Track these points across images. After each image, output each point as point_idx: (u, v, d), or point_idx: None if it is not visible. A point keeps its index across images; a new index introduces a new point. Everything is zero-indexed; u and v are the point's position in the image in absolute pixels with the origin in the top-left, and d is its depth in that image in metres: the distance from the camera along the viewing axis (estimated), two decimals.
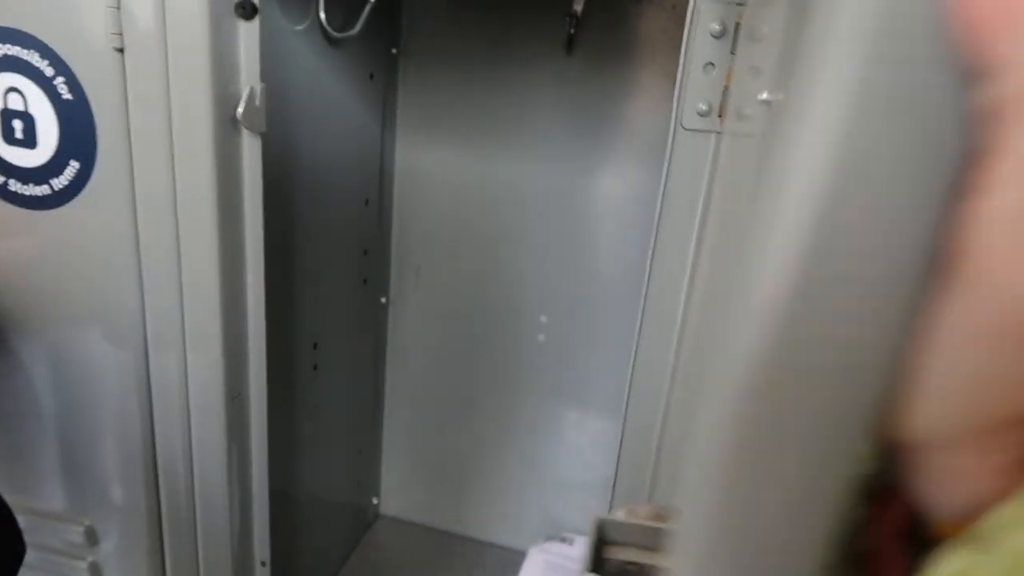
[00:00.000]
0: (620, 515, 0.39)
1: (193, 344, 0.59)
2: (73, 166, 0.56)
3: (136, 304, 0.59)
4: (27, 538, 0.68)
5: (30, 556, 0.69)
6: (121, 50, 0.52)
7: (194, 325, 0.58)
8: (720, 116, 0.48)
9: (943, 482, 0.13)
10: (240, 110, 0.53)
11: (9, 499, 0.66)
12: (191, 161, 0.53)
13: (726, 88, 0.48)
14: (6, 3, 0.53)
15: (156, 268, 0.57)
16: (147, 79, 0.52)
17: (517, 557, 0.89)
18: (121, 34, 0.52)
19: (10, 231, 0.59)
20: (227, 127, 0.53)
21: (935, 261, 0.12)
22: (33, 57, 0.54)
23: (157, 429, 0.62)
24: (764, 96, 0.33)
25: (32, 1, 0.52)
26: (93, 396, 0.63)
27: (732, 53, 0.47)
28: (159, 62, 0.52)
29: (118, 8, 0.51)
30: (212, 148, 0.53)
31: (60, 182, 0.57)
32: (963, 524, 0.13)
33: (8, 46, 0.54)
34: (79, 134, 0.55)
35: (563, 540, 0.83)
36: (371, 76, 0.80)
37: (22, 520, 0.67)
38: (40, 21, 0.53)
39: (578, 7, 0.76)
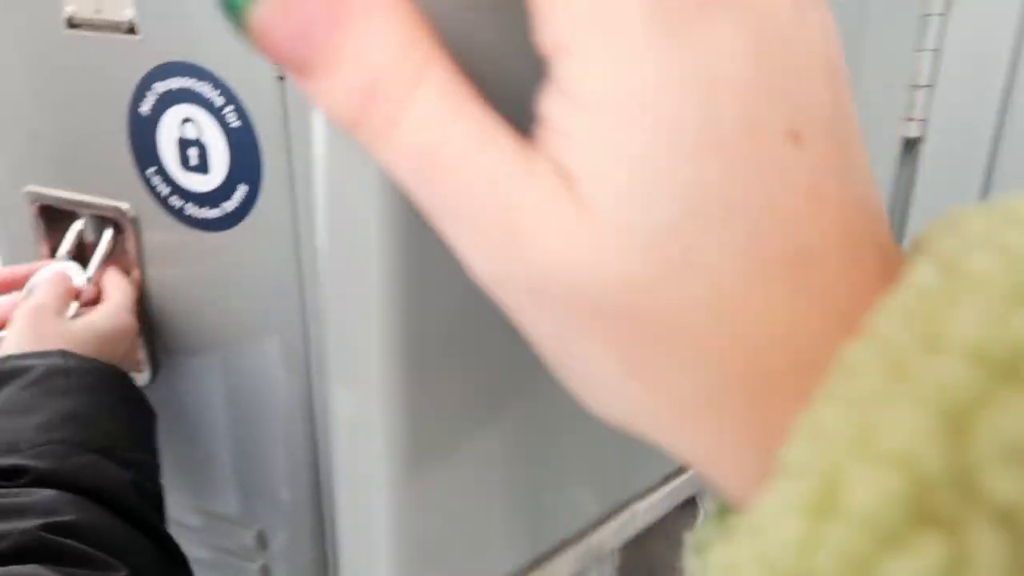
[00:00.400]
0: None
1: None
2: (241, 189, 0.59)
3: (298, 320, 0.61)
4: (205, 539, 0.73)
5: (208, 555, 0.74)
6: (283, 78, 0.54)
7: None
8: None
9: None
10: None
11: (190, 503, 0.70)
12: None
13: None
14: (182, 40, 0.56)
15: (315, 287, 0.59)
16: (306, 104, 0.53)
17: None
18: None
19: (188, 252, 0.63)
20: None
21: None
22: (205, 88, 0.56)
23: (319, 440, 0.64)
24: None
25: (204, 36, 0.55)
26: (261, 410, 0.65)
27: None
28: None
29: None
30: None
31: (230, 205, 0.59)
32: None
33: (184, 79, 0.57)
34: (246, 159, 0.57)
35: None
36: None
37: (200, 521, 0.72)
38: (211, 54, 0.55)
39: None
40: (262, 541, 0.71)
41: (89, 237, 0.68)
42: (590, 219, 0.13)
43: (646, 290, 0.13)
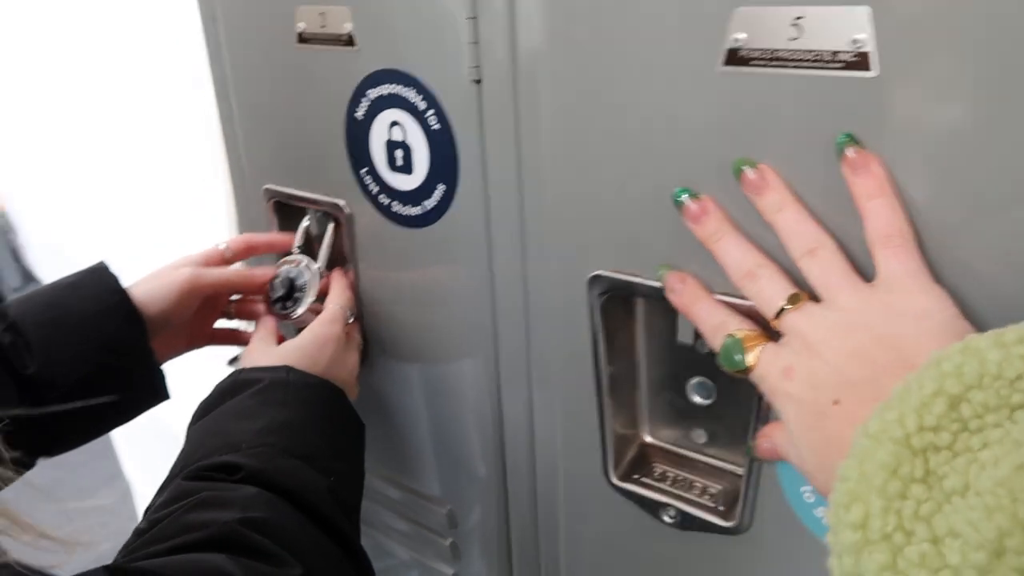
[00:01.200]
0: None
1: (537, 330, 0.61)
2: (440, 189, 0.62)
3: (488, 311, 0.63)
4: (406, 512, 0.78)
5: (407, 527, 0.79)
6: (479, 82, 0.56)
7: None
8: None
9: None
10: None
11: (391, 478, 0.76)
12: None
13: None
14: (390, 49, 0.60)
15: (505, 284, 0.61)
16: (499, 107, 0.55)
17: None
18: (479, 67, 0.55)
19: (394, 246, 0.68)
20: None
21: None
22: (410, 93, 0.60)
23: (507, 429, 0.67)
24: None
25: (409, 44, 0.58)
26: (455, 396, 0.69)
27: None
28: (510, 91, 0.54)
29: (477, 43, 0.54)
30: None
31: (430, 203, 0.63)
32: None
33: (392, 85, 0.61)
34: (445, 160, 0.60)
35: None
36: None
37: (399, 495, 0.77)
38: (415, 60, 0.59)
39: None
40: (453, 520, 0.75)
41: (313, 231, 0.75)
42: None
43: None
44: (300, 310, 0.71)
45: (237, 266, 0.74)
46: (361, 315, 0.73)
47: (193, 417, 0.58)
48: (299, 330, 0.67)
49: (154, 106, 2.21)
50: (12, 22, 2.35)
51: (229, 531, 0.44)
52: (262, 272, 0.73)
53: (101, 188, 2.42)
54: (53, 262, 3.02)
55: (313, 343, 0.64)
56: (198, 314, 0.71)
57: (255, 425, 0.54)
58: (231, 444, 0.52)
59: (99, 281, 0.64)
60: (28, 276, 3.53)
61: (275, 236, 0.75)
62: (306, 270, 0.72)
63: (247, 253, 0.73)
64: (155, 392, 0.68)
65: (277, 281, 0.72)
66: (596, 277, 0.53)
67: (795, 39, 0.40)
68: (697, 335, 0.54)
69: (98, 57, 2.15)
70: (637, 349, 0.58)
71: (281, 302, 0.72)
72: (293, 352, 0.63)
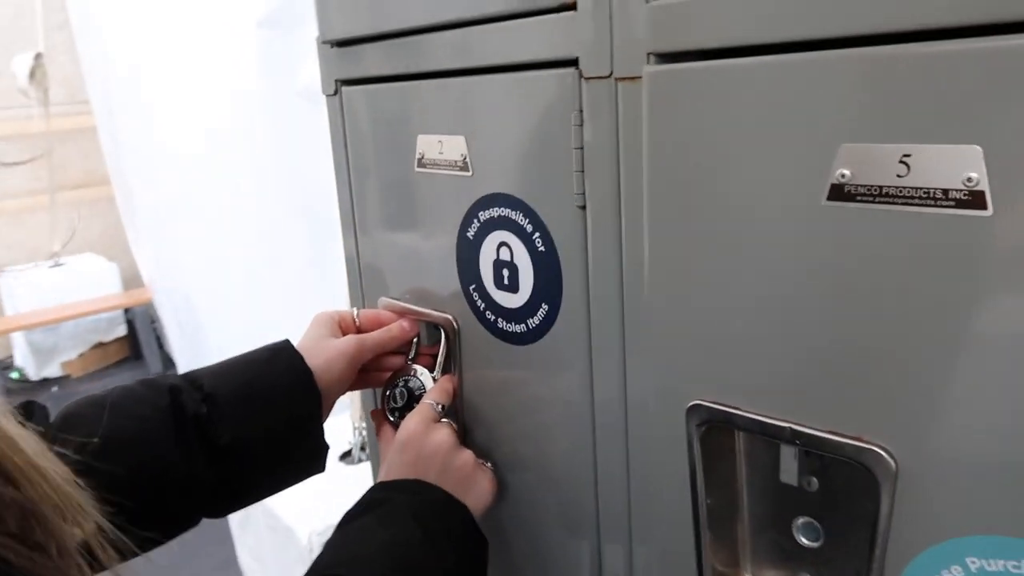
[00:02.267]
0: None
1: (637, 460, 0.59)
2: (544, 308, 0.63)
3: (587, 435, 0.62)
4: None
5: None
6: (584, 208, 0.57)
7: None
8: None
9: None
10: None
11: None
12: None
13: None
14: (500, 174, 0.63)
15: (604, 407, 0.60)
16: (603, 233, 0.56)
17: None
18: (584, 194, 0.57)
19: (498, 361, 0.69)
20: None
21: None
22: (518, 216, 0.62)
23: (604, 556, 0.64)
24: None
25: (519, 170, 0.61)
26: (549, 511, 0.68)
27: None
28: (614, 217, 0.55)
29: (583, 172, 0.56)
30: None
31: (533, 322, 0.64)
32: None
33: (502, 209, 0.63)
34: (549, 282, 0.62)
35: None
36: None
37: None
38: (524, 186, 0.61)
39: None
40: None
41: (423, 343, 0.78)
42: None
43: None
44: None
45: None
46: (464, 426, 0.74)
47: (337, 524, 0.61)
48: None
49: (287, 215, 2.39)
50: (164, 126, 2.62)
51: None
52: (411, 327, 0.76)
53: (233, 284, 2.61)
54: (189, 348, 3.24)
55: (433, 457, 0.66)
56: None
57: (369, 547, 0.56)
58: (342, 560, 0.55)
59: (287, 360, 0.68)
60: (169, 362, 3.80)
61: (401, 323, 0.77)
62: (423, 379, 0.75)
63: (375, 327, 0.76)
64: (318, 464, 0.71)
65: (396, 391, 0.75)
66: (695, 407, 0.52)
67: (903, 176, 0.40)
68: (802, 474, 0.51)
69: (234, 163, 2.36)
70: (739, 483, 0.55)
71: (400, 411, 0.74)
72: (419, 461, 0.65)
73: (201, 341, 3.05)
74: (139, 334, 3.97)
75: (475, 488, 0.67)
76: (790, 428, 0.47)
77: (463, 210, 0.67)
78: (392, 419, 0.75)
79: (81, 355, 4.05)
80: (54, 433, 0.55)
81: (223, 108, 2.39)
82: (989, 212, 0.37)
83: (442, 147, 0.67)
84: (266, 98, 2.21)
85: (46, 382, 3.95)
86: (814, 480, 0.51)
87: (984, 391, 0.40)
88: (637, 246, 0.54)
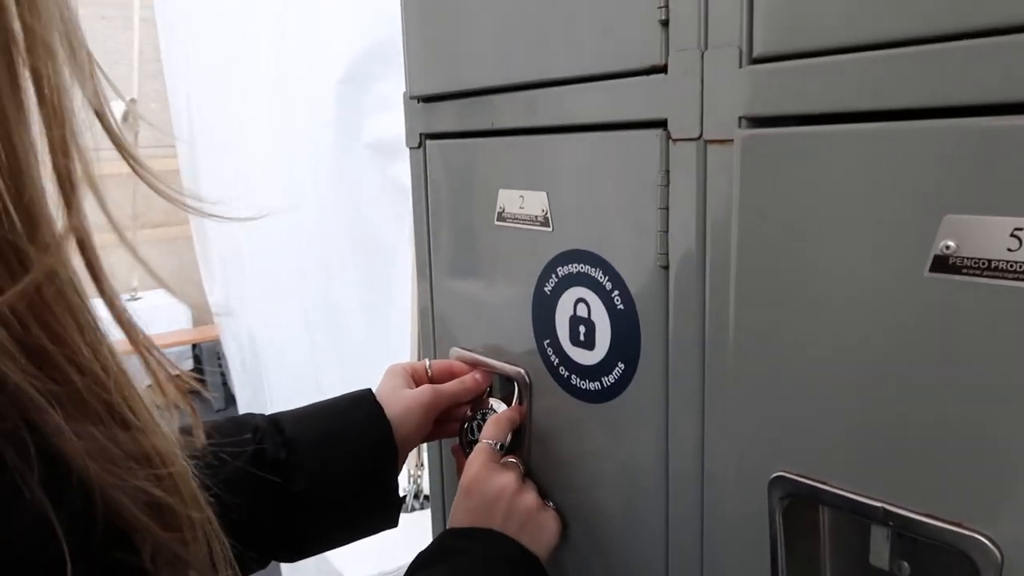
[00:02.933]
0: None
1: (711, 539, 0.57)
2: (620, 367, 0.62)
3: (660, 505, 0.60)
4: None
5: None
6: (666, 268, 0.57)
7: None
8: None
9: None
10: None
11: None
12: None
13: None
14: (581, 231, 0.63)
15: (680, 476, 0.58)
16: (686, 295, 0.55)
17: None
18: (667, 254, 0.56)
19: (571, 419, 0.68)
20: None
21: None
22: (597, 273, 0.62)
23: None
24: None
25: (601, 228, 0.61)
26: (622, 561, 0.66)
27: None
28: (698, 279, 0.54)
29: (667, 232, 0.56)
30: None
31: (608, 380, 0.63)
32: None
33: (581, 265, 0.63)
34: (626, 340, 0.61)
35: None
36: None
37: None
38: (604, 243, 0.61)
39: None
40: None
41: (495, 394, 0.78)
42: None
43: None
44: None
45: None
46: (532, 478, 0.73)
47: (408, 570, 0.60)
48: None
49: (346, 261, 2.43)
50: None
51: None
52: (484, 379, 0.76)
53: (293, 325, 2.66)
54: (249, 384, 3.30)
55: (510, 508, 0.65)
56: None
57: None
58: None
59: (368, 409, 0.69)
60: (231, 399, 3.87)
61: (474, 375, 0.77)
62: (499, 411, 0.74)
63: (447, 378, 0.76)
64: (391, 518, 0.70)
65: (474, 424, 0.76)
66: (778, 479, 0.50)
67: (1014, 251, 0.38)
68: (893, 558, 0.49)
69: (303, 208, 2.43)
70: (823, 564, 0.53)
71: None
72: (472, 512, 0.64)
73: (261, 379, 3.12)
74: (205, 370, 4.07)
75: (542, 531, 0.66)
76: (883, 508, 0.45)
77: (541, 264, 0.67)
78: (469, 452, 0.74)
79: (149, 387, 4.16)
80: None
81: (297, 154, 2.48)
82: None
83: (523, 202, 0.67)
84: (338, 149, 2.29)
85: None
86: (905, 566, 0.49)
87: None
88: (721, 308, 0.53)
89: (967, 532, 0.42)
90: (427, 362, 0.77)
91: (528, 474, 0.72)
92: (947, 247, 0.40)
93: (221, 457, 0.59)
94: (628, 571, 0.65)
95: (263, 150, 2.66)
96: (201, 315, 4.35)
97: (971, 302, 0.40)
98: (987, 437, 0.41)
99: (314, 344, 2.68)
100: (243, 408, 3.54)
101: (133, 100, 3.63)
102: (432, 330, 0.83)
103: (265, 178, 2.68)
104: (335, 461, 0.65)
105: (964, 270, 0.40)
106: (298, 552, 0.67)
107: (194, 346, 4.20)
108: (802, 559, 0.52)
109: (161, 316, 4.16)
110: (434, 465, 0.88)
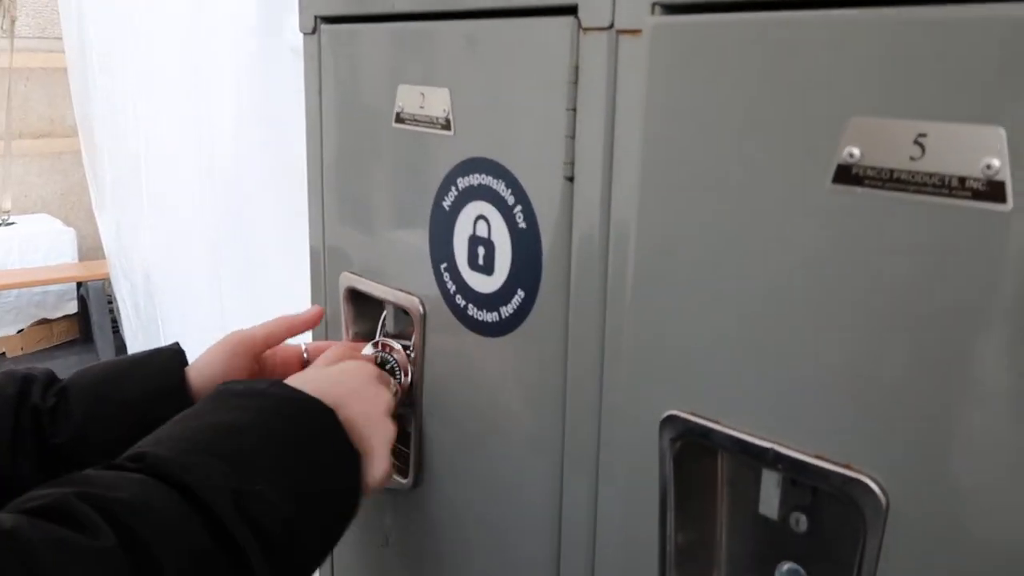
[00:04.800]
0: None
1: (606, 477, 0.60)
2: (519, 295, 0.64)
3: (557, 433, 0.63)
4: None
5: None
6: (571, 179, 0.59)
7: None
8: None
9: None
10: None
11: None
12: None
13: None
14: (485, 136, 0.64)
15: (578, 401, 0.61)
16: (591, 211, 0.58)
17: None
18: (573, 163, 0.58)
19: (465, 354, 0.70)
20: None
21: None
22: (499, 186, 0.64)
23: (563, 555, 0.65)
24: None
25: (504, 133, 0.63)
26: (509, 511, 0.69)
27: None
28: (604, 193, 0.57)
29: (573, 138, 0.58)
30: None
31: (507, 310, 0.66)
32: None
33: (483, 175, 0.65)
34: (527, 264, 0.63)
35: None
36: None
37: None
38: (507, 151, 0.63)
39: None
40: None
41: (390, 327, 0.80)
42: None
43: None
44: None
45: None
46: (421, 422, 0.76)
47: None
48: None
49: (266, 188, 2.43)
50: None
51: (54, 500, 0.48)
52: (307, 316, 0.79)
53: (198, 265, 2.65)
54: (143, 333, 3.30)
55: (332, 372, 0.69)
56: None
57: (195, 423, 0.59)
58: (160, 439, 0.57)
59: (163, 363, 0.72)
60: (122, 348, 3.86)
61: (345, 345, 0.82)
62: (395, 354, 0.77)
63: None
64: None
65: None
66: (670, 418, 0.53)
67: (916, 159, 0.41)
68: (790, 510, 0.52)
69: (216, 127, 2.41)
70: (718, 518, 0.56)
71: None
72: (306, 374, 0.68)
73: (157, 328, 3.11)
74: (92, 313, 4.03)
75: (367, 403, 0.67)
76: (773, 450, 0.48)
77: (441, 175, 0.69)
78: None
79: (21, 332, 4.13)
80: None
81: (210, 60, 2.44)
82: (1008, 206, 0.38)
83: (424, 100, 0.69)
84: (258, 51, 2.26)
85: None
86: (803, 519, 0.52)
87: (994, 421, 0.40)
88: (624, 227, 0.55)
89: (853, 474, 0.45)
90: (303, 346, 0.81)
91: (418, 413, 0.75)
92: (851, 155, 0.43)
93: None
94: (520, 516, 0.68)
95: (172, 49, 2.62)
96: (91, 249, 4.30)
97: (871, 219, 0.43)
98: (881, 371, 0.44)
99: (220, 285, 2.67)
100: None
101: None
102: (323, 252, 0.85)
103: (171, 85, 2.64)
104: (105, 413, 0.67)
105: (866, 180, 0.43)
106: None
107: (79, 285, 4.16)
108: (695, 513, 0.55)
109: (40, 244, 4.11)
110: None
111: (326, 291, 0.85)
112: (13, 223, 4.16)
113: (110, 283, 3.82)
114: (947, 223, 0.40)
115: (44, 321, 4.20)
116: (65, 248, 4.21)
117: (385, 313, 0.81)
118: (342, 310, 0.83)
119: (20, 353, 4.11)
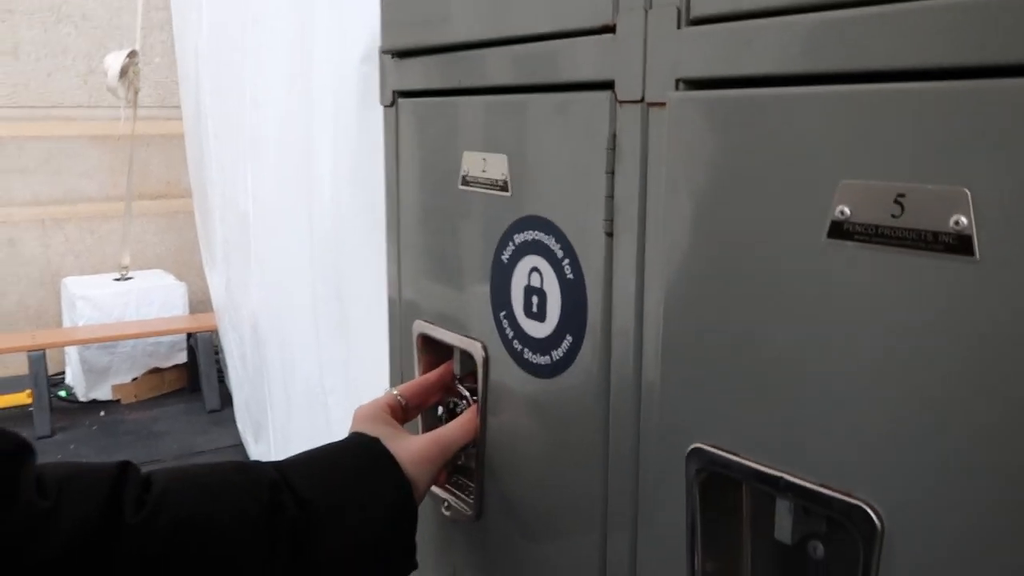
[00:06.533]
0: None
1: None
2: (568, 340, 0.70)
3: (600, 479, 0.69)
4: None
5: None
6: (611, 235, 0.65)
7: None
8: None
9: None
10: None
11: None
12: None
13: None
14: (537, 197, 0.71)
15: (620, 452, 0.67)
16: (627, 262, 0.64)
17: None
18: (611, 220, 0.65)
19: (521, 393, 0.77)
20: None
21: None
22: (550, 241, 0.71)
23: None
24: None
25: (552, 193, 0.70)
26: (554, 556, 0.74)
27: None
28: (638, 248, 0.63)
29: (612, 197, 0.64)
30: None
31: (557, 354, 0.72)
32: None
33: (536, 232, 0.72)
34: (575, 312, 0.69)
35: None
36: None
37: None
38: (556, 210, 0.70)
39: None
40: None
41: (457, 371, 0.87)
42: None
43: None
44: None
45: None
46: (483, 457, 0.82)
47: None
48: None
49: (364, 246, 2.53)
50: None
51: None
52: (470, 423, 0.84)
53: (303, 321, 2.78)
54: (249, 385, 3.44)
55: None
56: None
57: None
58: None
59: (390, 476, 0.73)
60: (227, 399, 4.04)
61: (431, 377, 0.89)
62: (465, 403, 0.85)
63: (420, 394, 0.86)
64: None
65: (441, 413, 0.88)
66: (695, 451, 0.58)
67: (897, 216, 0.46)
68: (806, 537, 0.56)
69: (319, 194, 2.55)
70: (744, 548, 0.60)
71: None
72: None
73: (261, 379, 3.25)
74: (200, 364, 4.24)
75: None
76: (783, 478, 0.53)
77: (500, 232, 0.76)
78: None
79: (135, 380, 4.37)
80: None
81: (312, 129, 2.58)
82: (976, 258, 0.43)
83: (485, 164, 0.77)
84: (359, 122, 2.38)
85: (94, 404, 4.27)
86: (819, 547, 0.56)
87: (972, 452, 0.44)
88: (657, 280, 0.61)
89: (853, 501, 0.49)
90: (394, 392, 0.85)
91: (480, 453, 0.81)
92: (842, 212, 0.48)
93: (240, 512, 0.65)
94: (562, 553, 0.73)
95: (277, 119, 2.78)
96: (200, 303, 4.55)
97: (861, 270, 0.48)
98: (875, 408, 0.48)
99: (319, 337, 2.79)
100: (239, 411, 3.68)
101: (134, 52, 3.84)
102: (399, 302, 0.93)
103: (276, 151, 2.81)
104: (356, 529, 0.70)
105: (856, 235, 0.48)
106: None
107: (189, 336, 4.39)
108: (720, 542, 0.60)
109: (155, 298, 4.36)
110: None
111: (400, 338, 0.93)
112: (131, 278, 4.44)
113: (217, 335, 4.03)
114: (925, 273, 0.45)
115: (156, 370, 4.44)
116: (177, 301, 4.46)
117: (455, 358, 0.88)
118: (414, 354, 0.90)
119: (134, 400, 4.34)
